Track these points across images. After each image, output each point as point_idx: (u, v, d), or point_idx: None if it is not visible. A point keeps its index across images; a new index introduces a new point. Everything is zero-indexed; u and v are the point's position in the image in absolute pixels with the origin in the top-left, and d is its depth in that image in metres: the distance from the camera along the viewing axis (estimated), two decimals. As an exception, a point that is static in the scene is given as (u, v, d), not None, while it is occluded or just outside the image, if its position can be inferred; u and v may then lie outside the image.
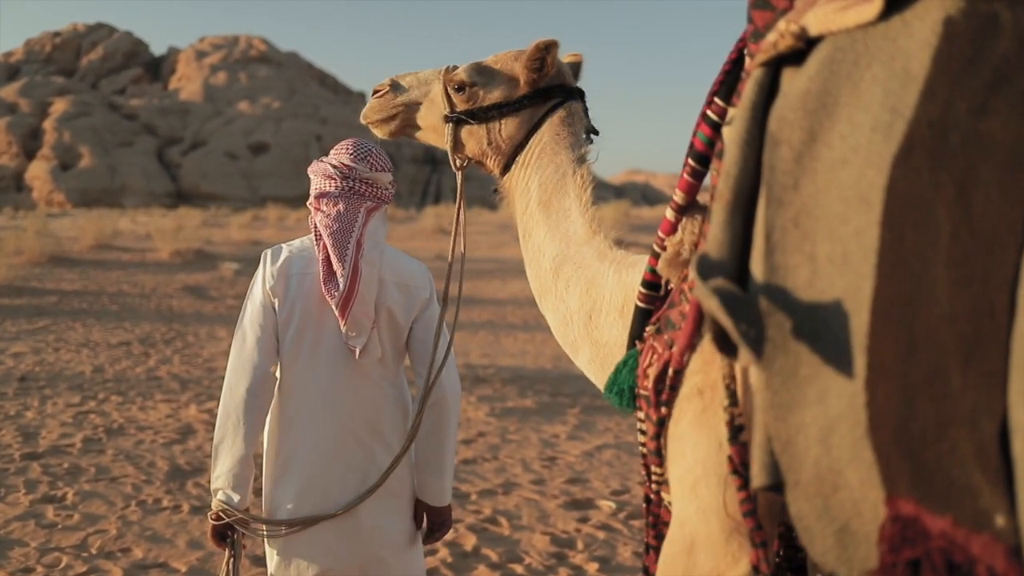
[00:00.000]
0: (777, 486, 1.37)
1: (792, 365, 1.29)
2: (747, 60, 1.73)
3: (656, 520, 2.01)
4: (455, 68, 2.76)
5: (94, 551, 5.58)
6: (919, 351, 1.17)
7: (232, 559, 3.15)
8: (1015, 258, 1.12)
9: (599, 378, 2.37)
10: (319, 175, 3.20)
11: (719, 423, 1.68)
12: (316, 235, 3.17)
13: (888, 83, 1.28)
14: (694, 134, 1.92)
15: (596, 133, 2.69)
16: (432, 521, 3.33)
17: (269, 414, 3.19)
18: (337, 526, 3.14)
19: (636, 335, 2.11)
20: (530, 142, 2.63)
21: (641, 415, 1.96)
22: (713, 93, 1.86)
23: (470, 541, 5.89)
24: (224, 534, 3.12)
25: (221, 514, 3.08)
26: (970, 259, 1.14)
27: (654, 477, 1.90)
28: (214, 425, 8.17)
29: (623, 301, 2.28)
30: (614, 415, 9.54)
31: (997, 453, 1.10)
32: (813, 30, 1.43)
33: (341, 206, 3.15)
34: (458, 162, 2.81)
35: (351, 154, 3.20)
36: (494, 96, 2.68)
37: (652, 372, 1.88)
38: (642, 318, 2.10)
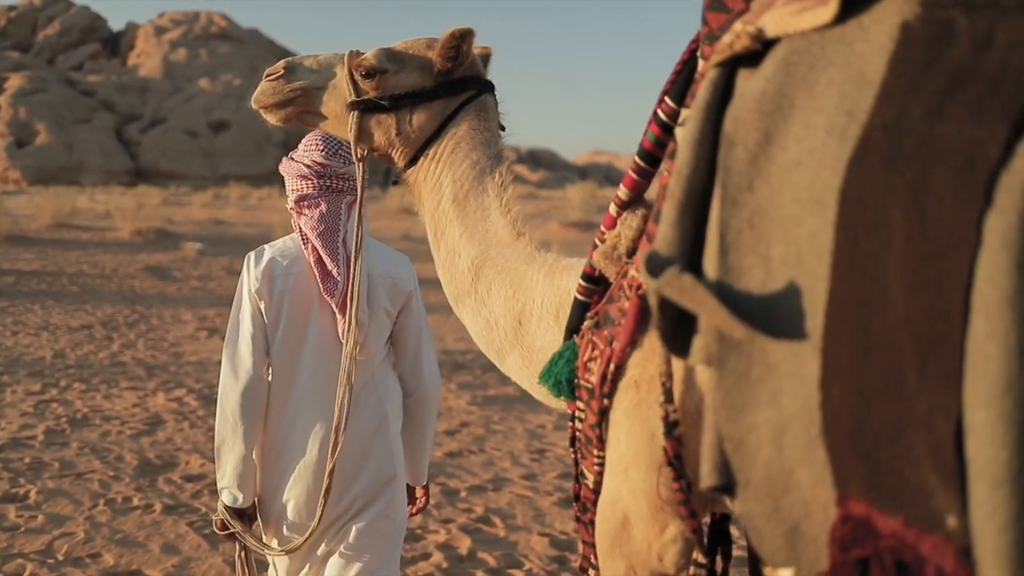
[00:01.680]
0: (726, 487, 1.39)
1: (744, 365, 1.32)
2: (700, 62, 1.74)
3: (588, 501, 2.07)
4: (360, 53, 2.63)
5: (61, 557, 5.17)
6: (875, 352, 1.18)
7: (244, 551, 3.27)
8: (969, 261, 1.11)
9: (532, 383, 2.36)
10: (293, 176, 3.19)
11: (652, 415, 1.77)
12: (303, 238, 3.17)
13: (844, 86, 1.30)
14: (644, 132, 1.94)
15: (503, 129, 2.64)
16: (409, 497, 3.51)
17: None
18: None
19: (573, 327, 2.12)
20: (443, 135, 2.56)
21: (581, 404, 2.01)
22: (664, 93, 1.88)
23: (465, 544, 5.55)
24: (230, 530, 3.21)
25: (225, 523, 3.18)
26: (925, 262, 1.14)
27: (596, 461, 1.94)
28: (183, 415, 7.85)
29: (558, 306, 2.26)
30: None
31: (952, 454, 1.10)
32: (770, 31, 1.45)
33: (324, 206, 3.15)
34: (360, 152, 2.67)
35: (322, 151, 3.17)
36: (406, 84, 2.57)
37: (595, 367, 1.92)
38: (580, 310, 2.11)
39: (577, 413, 2.04)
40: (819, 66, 1.35)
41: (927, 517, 1.14)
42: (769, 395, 1.30)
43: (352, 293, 3.00)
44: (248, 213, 40.57)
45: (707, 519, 2.10)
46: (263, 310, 3.15)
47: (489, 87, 2.64)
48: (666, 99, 1.87)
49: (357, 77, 2.58)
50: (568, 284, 2.24)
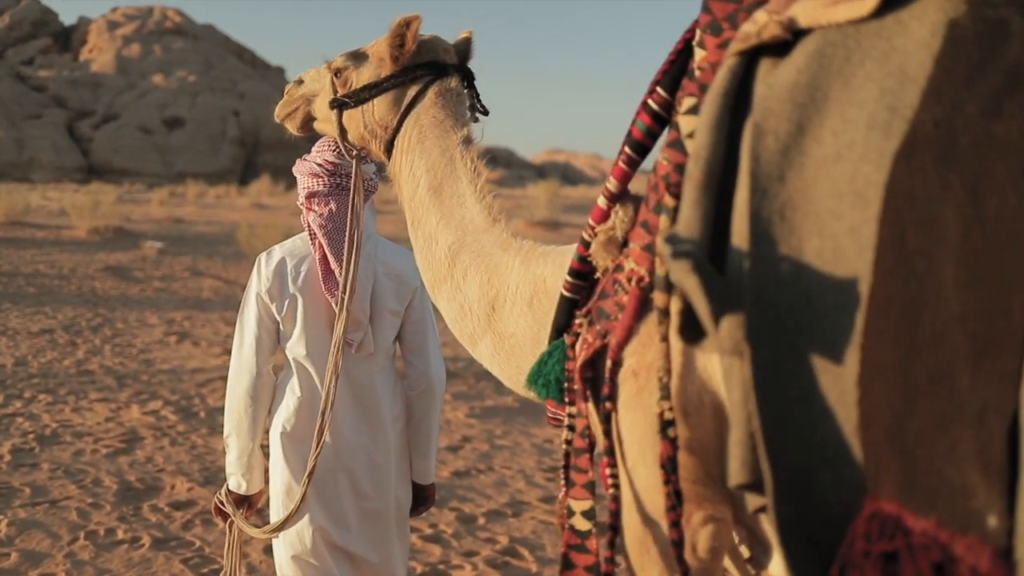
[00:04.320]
0: (754, 484, 1.35)
1: (774, 359, 1.29)
2: (698, 51, 1.70)
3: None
4: None
5: (40, 604, 4.51)
6: (924, 350, 1.15)
7: (234, 536, 3.40)
8: None
9: (503, 370, 2.36)
10: (306, 174, 3.25)
11: (653, 403, 1.66)
12: (311, 234, 3.23)
13: (884, 81, 1.29)
14: (633, 123, 1.90)
15: (486, 113, 2.67)
16: (416, 496, 3.51)
17: (278, 402, 3.32)
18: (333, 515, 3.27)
19: (561, 325, 2.04)
20: (404, 124, 2.60)
21: (572, 410, 1.91)
22: (656, 83, 1.84)
23: (496, 582, 4.95)
24: (223, 511, 3.37)
25: (219, 506, 3.37)
26: (983, 260, 1.13)
27: (608, 473, 1.77)
28: (161, 431, 7.22)
29: (532, 292, 2.25)
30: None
31: (1003, 451, 1.09)
32: (802, 22, 1.44)
33: (332, 205, 3.20)
34: (351, 150, 2.82)
35: (335, 150, 3.23)
36: (363, 78, 2.67)
37: (580, 361, 1.85)
38: (568, 307, 2.03)
39: (568, 420, 1.93)
40: (855, 59, 1.34)
41: (964, 517, 1.12)
42: (799, 390, 1.27)
43: (344, 289, 3.07)
44: (207, 211, 39.67)
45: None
46: (275, 310, 3.21)
47: (452, 70, 2.63)
48: (658, 89, 1.84)
49: (333, 79, 2.72)
50: (543, 271, 2.23)
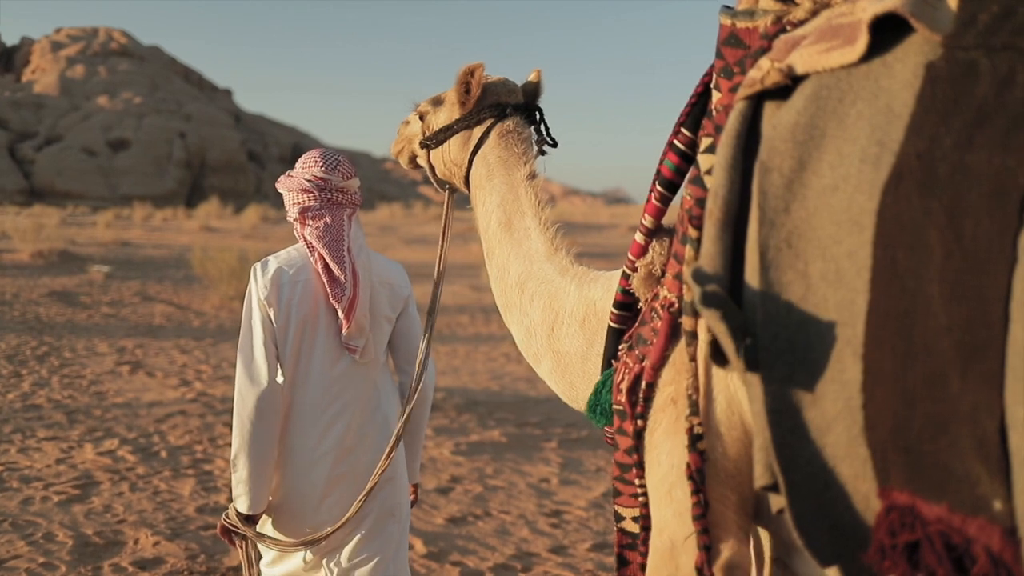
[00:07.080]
0: (776, 486, 1.47)
1: (787, 372, 1.42)
2: (715, 93, 1.82)
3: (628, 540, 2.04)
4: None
5: None
6: (918, 357, 1.27)
7: (248, 553, 3.30)
8: (1006, 275, 1.21)
9: (559, 386, 2.49)
10: (294, 190, 3.32)
11: None
12: (309, 247, 3.29)
13: (873, 119, 1.42)
14: (661, 162, 2.03)
15: (554, 145, 2.80)
16: None
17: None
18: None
19: (611, 355, 2.17)
20: (474, 163, 2.76)
21: (611, 430, 2.05)
22: (680, 123, 1.97)
23: (519, 655, 4.30)
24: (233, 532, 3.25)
25: (226, 526, 3.23)
26: (964, 277, 1.24)
27: (638, 490, 1.89)
28: (119, 474, 6.45)
29: (584, 314, 2.38)
30: (599, 449, 8.09)
31: (998, 446, 1.19)
32: (799, 69, 1.56)
33: (328, 218, 3.30)
34: (443, 185, 3.02)
35: (322, 166, 3.32)
36: (439, 121, 2.88)
37: (624, 386, 1.91)
38: (615, 338, 2.16)
39: (612, 441, 2.03)
40: (847, 100, 1.47)
41: (972, 502, 1.22)
42: (811, 398, 1.40)
43: (430, 322, 3.25)
44: (155, 234, 38.63)
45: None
46: (272, 317, 3.22)
47: (516, 110, 2.75)
48: (682, 130, 1.96)
49: (420, 121, 2.97)
50: (593, 295, 2.36)
